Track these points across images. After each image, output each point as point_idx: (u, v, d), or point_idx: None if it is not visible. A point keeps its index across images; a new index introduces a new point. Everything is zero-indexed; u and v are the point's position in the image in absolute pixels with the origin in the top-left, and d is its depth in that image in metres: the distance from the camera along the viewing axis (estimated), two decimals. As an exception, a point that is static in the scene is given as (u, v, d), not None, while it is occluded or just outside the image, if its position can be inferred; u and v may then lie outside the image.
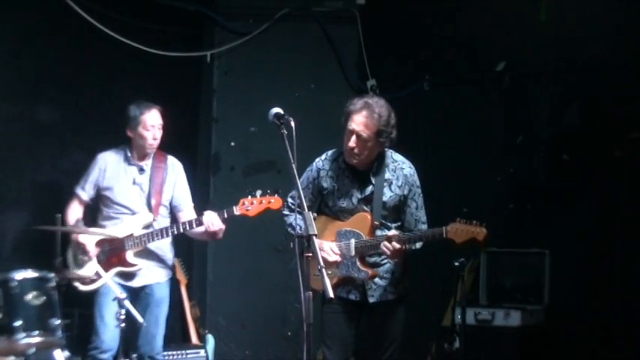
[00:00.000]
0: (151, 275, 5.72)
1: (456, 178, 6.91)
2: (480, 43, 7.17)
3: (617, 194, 6.60)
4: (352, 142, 4.82)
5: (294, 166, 4.08)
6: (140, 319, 5.35)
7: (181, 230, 5.62)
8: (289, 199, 5.19)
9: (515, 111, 7.06)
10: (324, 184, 5.01)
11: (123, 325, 4.98)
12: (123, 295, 5.00)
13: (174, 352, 6.36)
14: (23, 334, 4.84)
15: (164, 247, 5.77)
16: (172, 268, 5.92)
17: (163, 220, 5.78)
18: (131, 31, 6.75)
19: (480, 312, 6.54)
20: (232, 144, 7.26)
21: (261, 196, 5.52)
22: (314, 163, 5.08)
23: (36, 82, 6.53)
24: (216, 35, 7.30)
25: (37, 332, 4.89)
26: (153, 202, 5.72)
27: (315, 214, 4.95)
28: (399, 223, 5.01)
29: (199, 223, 5.55)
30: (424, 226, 5.02)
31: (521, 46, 7.01)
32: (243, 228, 7.10)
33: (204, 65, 7.34)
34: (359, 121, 4.81)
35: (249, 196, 5.52)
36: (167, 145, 7.25)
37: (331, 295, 3.89)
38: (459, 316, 5.63)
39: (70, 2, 6.39)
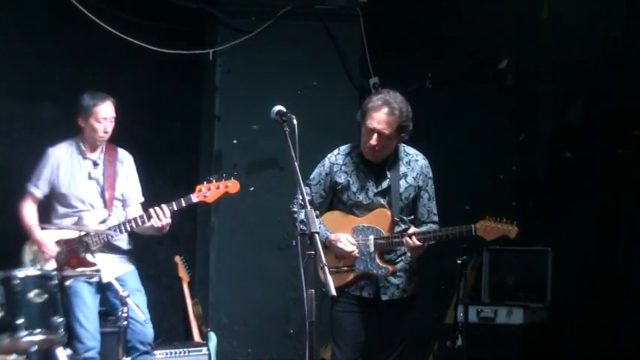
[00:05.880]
0: (118, 267, 5.56)
1: (459, 176, 6.89)
2: (483, 40, 7.14)
3: (620, 192, 6.59)
4: (374, 140, 4.76)
5: (296, 163, 4.09)
6: (142, 315, 5.36)
7: (136, 226, 5.45)
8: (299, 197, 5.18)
9: (517, 109, 7.05)
10: (338, 179, 4.96)
11: (125, 322, 4.93)
12: (125, 292, 4.96)
13: (177, 350, 6.34)
14: (25, 332, 4.82)
15: (121, 237, 5.62)
16: (134, 254, 5.76)
17: (119, 214, 5.67)
18: (133, 28, 6.74)
19: (483, 310, 6.53)
20: (235, 142, 7.25)
21: (217, 181, 5.49)
22: (326, 159, 5.03)
23: (38, 79, 6.53)
24: (218, 33, 7.29)
25: (39, 330, 4.87)
26: (107, 196, 5.59)
27: (318, 212, 4.94)
28: (412, 217, 4.99)
29: (149, 217, 5.42)
30: (436, 218, 5.01)
31: (524, 44, 6.98)
32: (246, 226, 7.13)
33: (206, 63, 7.34)
34: (380, 119, 4.74)
35: (205, 182, 5.48)
36: (170, 143, 7.31)
37: (333, 292, 3.89)
38: (462, 314, 5.61)
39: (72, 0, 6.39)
